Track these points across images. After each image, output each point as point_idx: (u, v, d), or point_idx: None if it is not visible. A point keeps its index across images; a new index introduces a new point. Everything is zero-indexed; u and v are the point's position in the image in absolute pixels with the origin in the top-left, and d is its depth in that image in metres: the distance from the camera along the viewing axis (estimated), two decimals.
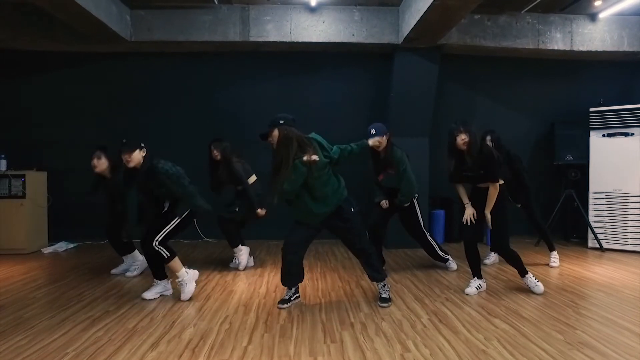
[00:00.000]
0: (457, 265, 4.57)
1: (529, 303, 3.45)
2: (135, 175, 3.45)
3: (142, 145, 3.43)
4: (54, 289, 3.85)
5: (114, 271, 4.41)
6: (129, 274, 4.32)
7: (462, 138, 3.46)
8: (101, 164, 4.08)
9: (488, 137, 4.35)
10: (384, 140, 3.99)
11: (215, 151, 4.44)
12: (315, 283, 4.06)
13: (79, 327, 2.93)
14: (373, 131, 3.94)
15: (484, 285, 3.79)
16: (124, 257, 4.42)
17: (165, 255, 3.46)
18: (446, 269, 4.55)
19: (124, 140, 3.38)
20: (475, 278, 3.77)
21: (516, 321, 3.04)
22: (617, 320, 3.06)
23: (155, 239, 3.42)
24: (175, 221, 3.49)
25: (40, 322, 3.01)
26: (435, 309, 3.33)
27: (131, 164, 3.39)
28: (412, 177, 4.07)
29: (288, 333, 2.85)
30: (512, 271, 4.27)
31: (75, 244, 5.87)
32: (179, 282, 3.54)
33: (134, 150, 3.37)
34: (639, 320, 3.06)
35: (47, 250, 5.61)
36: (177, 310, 3.30)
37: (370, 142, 3.57)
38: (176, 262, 3.52)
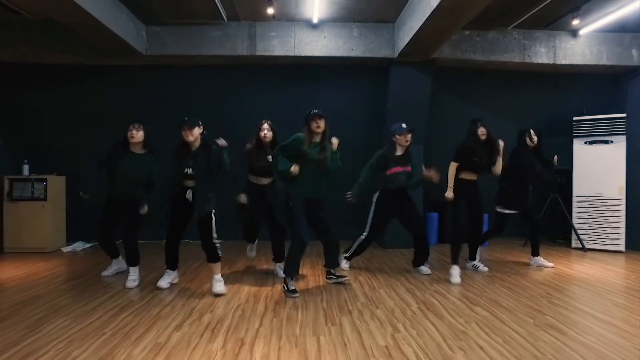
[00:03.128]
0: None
1: (508, 294, 3.85)
2: (187, 150, 3.86)
3: (200, 123, 3.86)
4: (79, 283, 4.24)
5: (104, 273, 4.52)
6: (130, 284, 4.11)
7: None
8: (139, 135, 4.15)
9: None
10: (409, 137, 4.45)
11: (266, 131, 4.22)
12: (317, 278, 4.46)
13: (110, 313, 3.33)
14: (404, 125, 4.43)
15: (481, 266, 4.67)
16: (113, 260, 4.57)
17: (219, 254, 3.88)
18: (419, 272, 4.72)
19: (186, 118, 3.81)
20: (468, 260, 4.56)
21: (495, 309, 3.44)
22: (583, 308, 3.47)
23: (213, 237, 3.82)
24: (216, 215, 3.86)
25: (75, 309, 3.41)
26: (425, 299, 3.73)
27: (191, 138, 3.81)
28: None
29: (294, 318, 3.25)
30: (497, 267, 4.70)
31: (91, 244, 6.25)
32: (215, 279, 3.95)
33: (195, 126, 3.80)
34: (602, 307, 3.47)
35: (66, 249, 6.01)
36: (194, 300, 3.69)
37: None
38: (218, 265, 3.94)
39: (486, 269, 4.74)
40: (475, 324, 3.10)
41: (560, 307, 3.51)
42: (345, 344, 2.76)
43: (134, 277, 4.17)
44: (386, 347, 2.71)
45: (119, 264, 4.60)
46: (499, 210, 4.89)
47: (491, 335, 2.90)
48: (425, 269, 4.66)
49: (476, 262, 4.81)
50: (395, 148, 4.50)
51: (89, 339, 2.81)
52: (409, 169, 4.48)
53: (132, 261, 4.20)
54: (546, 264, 4.95)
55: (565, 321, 3.16)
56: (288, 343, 2.77)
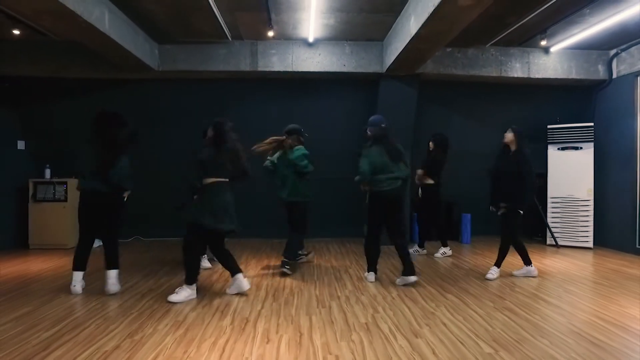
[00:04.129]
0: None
1: (478, 284, 4.43)
2: None
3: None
4: (101, 275, 4.77)
5: (73, 288, 4.08)
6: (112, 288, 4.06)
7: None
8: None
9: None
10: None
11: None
12: (312, 270, 5.05)
13: (134, 298, 3.91)
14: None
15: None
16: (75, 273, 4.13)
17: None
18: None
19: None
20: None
21: (464, 296, 4.02)
22: (539, 294, 4.05)
23: None
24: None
25: (104, 295, 3.99)
26: (405, 288, 4.31)
27: None
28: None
29: (291, 302, 3.83)
30: (474, 262, 5.28)
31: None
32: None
33: None
34: (554, 294, 4.06)
35: None
36: (204, 288, 4.27)
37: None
38: None
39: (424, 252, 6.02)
40: (443, 307, 3.68)
41: (520, 294, 4.09)
42: (332, 322, 3.34)
43: (113, 281, 4.10)
44: (366, 324, 3.29)
45: (81, 282, 4.15)
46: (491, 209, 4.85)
47: (455, 315, 3.48)
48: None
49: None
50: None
51: (120, 317, 3.39)
52: None
53: (112, 265, 4.12)
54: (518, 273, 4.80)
55: (519, 304, 3.74)
56: (285, 321, 3.35)
